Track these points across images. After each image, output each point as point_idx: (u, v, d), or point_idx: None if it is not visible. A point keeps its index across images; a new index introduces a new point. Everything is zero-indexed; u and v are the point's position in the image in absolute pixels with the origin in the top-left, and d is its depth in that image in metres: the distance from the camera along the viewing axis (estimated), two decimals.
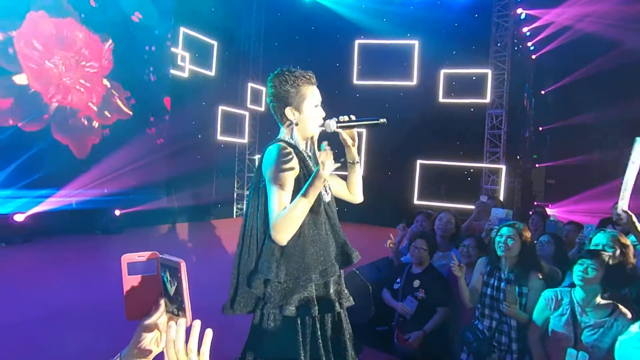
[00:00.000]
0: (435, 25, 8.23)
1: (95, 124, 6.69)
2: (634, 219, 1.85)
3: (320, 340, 1.39)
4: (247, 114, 9.34)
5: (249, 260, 1.41)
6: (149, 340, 0.72)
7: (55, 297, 3.52)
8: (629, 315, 1.84)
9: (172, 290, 0.72)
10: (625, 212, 1.82)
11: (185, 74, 7.84)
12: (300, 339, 1.37)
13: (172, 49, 7.54)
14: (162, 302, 0.73)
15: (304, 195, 1.29)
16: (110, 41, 6.69)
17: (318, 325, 1.41)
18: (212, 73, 8.43)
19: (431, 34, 8.29)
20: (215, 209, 9.01)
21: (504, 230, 2.28)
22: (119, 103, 6.94)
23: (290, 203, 1.33)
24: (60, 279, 4.08)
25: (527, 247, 2.26)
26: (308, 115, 1.47)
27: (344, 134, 1.48)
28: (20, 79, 5.70)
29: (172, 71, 7.59)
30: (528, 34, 9.12)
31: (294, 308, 1.36)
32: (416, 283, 2.88)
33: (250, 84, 9.22)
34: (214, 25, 8.00)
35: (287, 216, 1.29)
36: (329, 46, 8.74)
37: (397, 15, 8.49)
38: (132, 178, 6.91)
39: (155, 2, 6.91)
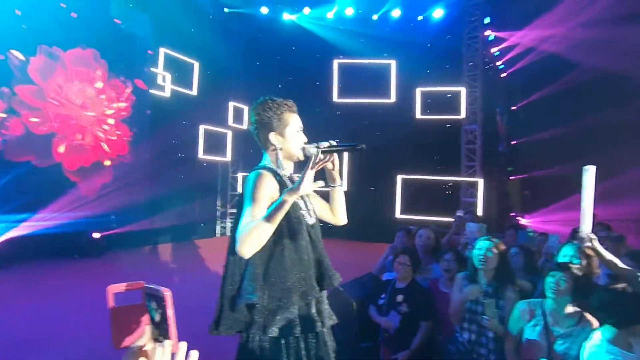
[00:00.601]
0: (411, 46, 8.60)
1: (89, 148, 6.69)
2: (596, 243, 2.01)
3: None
4: (229, 132, 9.38)
5: (233, 283, 1.45)
6: None
7: (34, 325, 3.40)
8: (594, 323, 1.94)
9: (157, 317, 0.75)
10: (588, 235, 1.98)
11: (167, 94, 7.85)
12: (285, 358, 1.41)
13: (152, 69, 7.56)
14: (149, 329, 0.76)
15: (273, 209, 1.32)
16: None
17: (302, 345, 1.44)
18: (194, 92, 8.47)
19: (407, 53, 8.65)
20: (198, 228, 8.90)
21: (483, 243, 2.38)
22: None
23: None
24: (36, 306, 3.94)
25: (503, 260, 2.37)
26: (291, 140, 1.53)
27: (325, 159, 1.50)
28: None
29: (153, 91, 7.60)
30: (497, 53, 9.62)
31: (277, 329, 1.40)
32: (399, 298, 2.94)
33: (231, 103, 9.30)
34: (194, 45, 8.10)
35: (252, 229, 1.29)
36: (309, 65, 8.95)
37: (374, 36, 8.82)
38: (112, 199, 6.80)
39: (136, 21, 6.96)
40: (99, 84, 6.76)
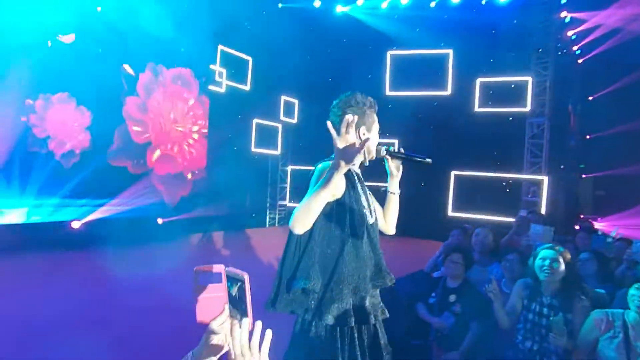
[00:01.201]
0: (471, 33, 8.00)
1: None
2: None
3: (358, 351, 1.45)
4: (280, 126, 9.58)
5: (291, 265, 1.49)
6: (216, 340, 0.84)
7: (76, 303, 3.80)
8: None
9: (235, 297, 0.83)
10: None
11: (222, 89, 8.20)
12: (339, 347, 1.44)
13: (211, 66, 7.94)
14: (227, 307, 0.83)
15: (322, 182, 1.34)
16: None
17: (356, 335, 1.47)
18: (247, 87, 8.75)
19: (467, 41, 8.08)
20: (249, 218, 9.28)
21: (547, 252, 2.20)
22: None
23: (322, 216, 1.41)
24: (106, 287, 4.40)
25: (569, 270, 2.18)
26: (374, 137, 1.58)
27: (391, 163, 1.59)
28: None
29: (210, 87, 7.98)
30: (574, 37, 8.63)
31: (332, 317, 1.43)
32: (452, 298, 2.85)
33: (283, 97, 9.47)
34: (249, 41, 8.34)
35: (303, 205, 1.34)
36: (360, 58, 8.79)
37: (430, 24, 8.37)
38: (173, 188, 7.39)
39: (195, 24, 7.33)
40: (191, 101, 7.56)
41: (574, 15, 8.16)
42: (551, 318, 2.09)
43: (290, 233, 1.50)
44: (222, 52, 8.09)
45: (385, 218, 1.69)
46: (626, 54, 8.06)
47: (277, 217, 10.04)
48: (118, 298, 3.99)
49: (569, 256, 2.21)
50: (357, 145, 1.29)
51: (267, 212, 9.96)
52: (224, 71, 8.16)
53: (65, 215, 5.99)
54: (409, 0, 8.36)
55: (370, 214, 1.57)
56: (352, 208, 1.46)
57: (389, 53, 8.85)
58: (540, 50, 7.88)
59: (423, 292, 3.06)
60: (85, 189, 6.12)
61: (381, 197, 1.70)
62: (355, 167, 1.58)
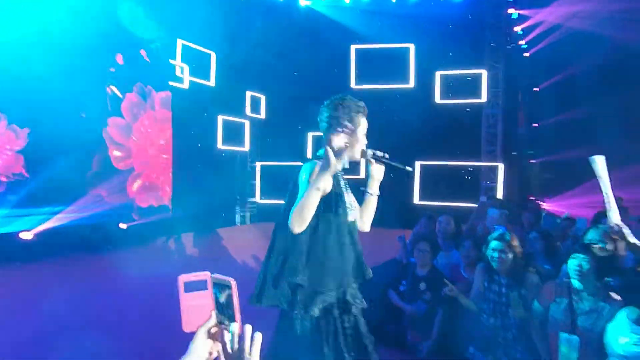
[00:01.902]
0: (430, 28, 8.36)
1: None
2: (627, 231, 2.02)
3: (342, 340, 1.54)
4: (247, 122, 9.46)
5: (277, 261, 1.55)
6: (205, 347, 0.83)
7: (69, 314, 3.61)
8: (619, 302, 1.97)
9: (222, 303, 0.83)
10: (617, 224, 1.99)
11: (185, 85, 7.95)
12: (324, 338, 1.52)
13: (171, 61, 7.66)
14: (214, 314, 0.84)
15: (313, 181, 1.43)
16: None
17: (339, 326, 1.55)
18: (211, 83, 8.55)
19: (426, 36, 8.43)
20: (218, 217, 9.11)
21: (494, 244, 2.47)
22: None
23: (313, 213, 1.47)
24: (70, 297, 4.17)
25: (516, 255, 2.44)
26: (359, 140, 1.62)
27: (374, 167, 1.64)
28: None
29: (172, 83, 7.71)
30: (520, 32, 9.29)
31: (317, 309, 1.50)
32: (422, 286, 3.02)
33: (249, 92, 9.34)
34: (210, 35, 8.13)
35: (299, 205, 1.43)
36: (326, 52, 8.86)
37: (391, 19, 8.63)
38: (136, 191, 7.04)
39: (154, 17, 7.03)
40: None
41: (520, 12, 8.78)
42: (509, 295, 2.35)
43: (275, 230, 1.58)
44: (183, 46, 7.83)
45: (363, 217, 1.74)
46: (566, 49, 8.82)
47: (247, 214, 9.94)
48: (83, 310, 3.80)
49: (516, 243, 2.47)
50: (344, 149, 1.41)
51: (237, 210, 9.82)
52: (185, 66, 7.91)
53: (14, 226, 5.52)
54: None
55: (352, 211, 1.66)
56: (337, 206, 1.55)
57: (353, 47, 9.02)
58: (492, 44, 8.40)
59: (394, 279, 3.21)
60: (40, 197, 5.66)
61: (358, 195, 1.76)
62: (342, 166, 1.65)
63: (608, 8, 7.49)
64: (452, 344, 2.75)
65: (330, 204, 1.54)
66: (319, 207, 1.49)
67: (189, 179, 7.76)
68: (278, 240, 1.57)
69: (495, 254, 2.44)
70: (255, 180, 10.00)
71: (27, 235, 5.61)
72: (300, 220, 1.42)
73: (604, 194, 1.94)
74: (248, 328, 0.80)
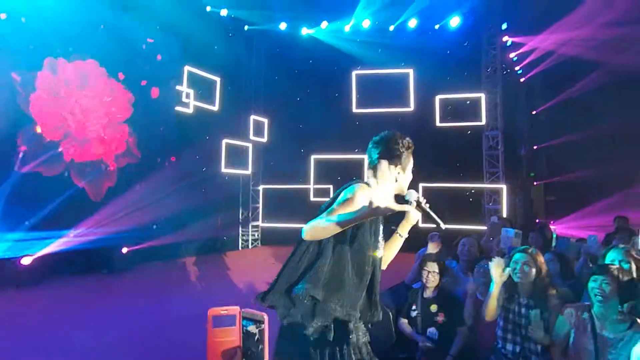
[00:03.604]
0: (428, 54, 8.62)
1: (111, 168, 6.88)
2: None
3: None
4: (250, 145, 9.56)
5: (297, 268, 1.51)
6: None
7: (70, 341, 3.50)
8: None
9: (251, 339, 0.81)
10: None
11: (190, 110, 8.09)
12: (319, 358, 1.46)
13: (177, 87, 7.83)
14: (240, 352, 0.82)
15: (351, 214, 1.38)
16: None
17: (333, 352, 1.49)
18: (216, 108, 8.70)
19: (425, 62, 8.68)
20: (221, 241, 9.01)
21: (518, 256, 2.34)
22: (130, 146, 7.19)
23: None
24: (72, 322, 4.06)
25: (540, 272, 2.32)
26: (407, 177, 1.68)
27: (413, 212, 1.64)
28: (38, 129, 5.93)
29: (177, 108, 7.84)
30: (515, 59, 9.57)
31: (312, 330, 1.45)
32: (434, 308, 2.92)
33: (252, 117, 9.49)
34: (216, 62, 8.36)
35: (321, 224, 1.40)
36: (327, 78, 9.09)
37: (391, 46, 8.90)
38: (138, 215, 7.00)
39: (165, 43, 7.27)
40: (106, 98, 6.75)
41: (514, 39, 9.09)
42: (530, 314, 2.23)
43: (300, 243, 1.54)
44: (190, 73, 8.04)
45: (385, 254, 1.72)
46: (561, 73, 9.06)
47: (250, 238, 9.84)
48: (88, 336, 3.69)
49: (541, 258, 2.35)
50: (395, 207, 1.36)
51: (240, 234, 9.73)
52: (191, 92, 8.08)
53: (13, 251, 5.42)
54: (370, 25, 8.87)
55: (381, 246, 1.65)
56: (369, 238, 1.54)
57: (354, 72, 9.25)
58: (488, 69, 8.63)
59: (404, 304, 3.11)
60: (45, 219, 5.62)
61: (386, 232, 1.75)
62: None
63: (601, 35, 7.76)
64: None
65: (364, 232, 1.53)
66: (352, 231, 1.49)
67: (193, 202, 7.74)
68: (299, 251, 1.54)
69: (518, 266, 2.30)
70: (258, 203, 9.98)
71: (27, 261, 5.53)
72: (312, 236, 1.43)
73: None
74: None
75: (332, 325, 1.47)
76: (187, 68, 7.94)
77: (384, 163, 1.64)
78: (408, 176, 1.69)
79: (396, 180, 1.65)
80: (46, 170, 6.04)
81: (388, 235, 1.73)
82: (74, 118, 6.43)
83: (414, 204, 1.61)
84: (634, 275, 2.19)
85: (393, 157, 1.64)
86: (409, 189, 1.67)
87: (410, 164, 1.69)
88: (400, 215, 1.69)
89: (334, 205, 1.49)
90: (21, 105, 5.77)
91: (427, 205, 1.62)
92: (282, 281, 1.52)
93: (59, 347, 3.35)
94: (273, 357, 1.51)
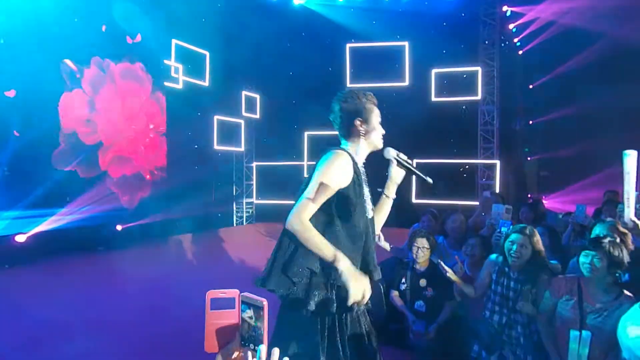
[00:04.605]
0: (424, 26, 8.35)
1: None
2: None
3: (338, 339, 1.47)
4: (242, 122, 9.39)
5: (290, 245, 1.48)
6: None
7: (63, 317, 3.53)
8: (632, 299, 1.93)
9: (250, 324, 0.78)
10: (633, 220, 1.95)
11: (180, 85, 7.87)
12: (320, 334, 1.45)
13: (165, 62, 7.57)
14: (238, 335, 0.79)
15: (331, 252, 1.38)
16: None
17: (337, 324, 1.49)
18: (206, 83, 8.47)
19: (420, 34, 8.41)
20: (215, 218, 9.03)
21: (515, 237, 2.32)
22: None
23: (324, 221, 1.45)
24: (68, 299, 4.09)
25: (535, 252, 2.32)
26: (375, 127, 1.60)
27: (396, 169, 1.61)
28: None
29: (166, 83, 7.62)
30: (514, 30, 9.31)
31: (313, 304, 1.44)
32: (422, 282, 2.98)
33: (244, 92, 9.28)
34: (205, 35, 8.06)
35: (307, 232, 1.39)
36: (320, 51, 8.82)
37: (385, 17, 8.60)
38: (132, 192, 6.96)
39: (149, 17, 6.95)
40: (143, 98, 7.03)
41: (513, 9, 8.80)
42: (520, 289, 2.27)
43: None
44: (177, 46, 7.75)
45: (376, 219, 1.68)
46: (561, 45, 8.85)
47: (244, 215, 9.86)
48: (80, 315, 3.72)
49: (537, 239, 2.34)
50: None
51: (234, 211, 9.74)
52: (180, 67, 7.83)
53: (8, 228, 5.42)
54: None
55: (370, 207, 1.59)
56: (355, 202, 1.49)
57: (348, 45, 8.98)
58: (486, 42, 8.41)
59: (394, 278, 3.16)
60: (32, 199, 5.56)
61: (374, 197, 1.72)
62: (360, 161, 1.59)
63: (601, 4, 7.53)
64: (456, 343, 2.70)
65: (349, 197, 1.48)
66: (337, 198, 1.45)
67: (186, 180, 7.67)
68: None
69: (515, 247, 2.28)
70: (252, 180, 9.93)
71: (21, 238, 5.52)
72: (295, 233, 1.41)
73: (625, 190, 1.89)
74: (275, 352, 0.75)
75: (334, 296, 1.46)
76: (174, 41, 7.65)
77: (349, 120, 1.59)
78: (378, 130, 1.62)
79: (365, 135, 1.59)
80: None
81: (376, 199, 1.70)
82: None
83: (394, 161, 1.59)
84: (624, 250, 2.20)
85: (356, 112, 1.58)
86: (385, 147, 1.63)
87: (376, 116, 1.62)
88: (386, 177, 1.67)
89: (313, 177, 1.46)
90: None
91: (408, 161, 1.58)
92: (278, 261, 1.49)
93: (57, 324, 3.37)
94: (272, 339, 1.50)
